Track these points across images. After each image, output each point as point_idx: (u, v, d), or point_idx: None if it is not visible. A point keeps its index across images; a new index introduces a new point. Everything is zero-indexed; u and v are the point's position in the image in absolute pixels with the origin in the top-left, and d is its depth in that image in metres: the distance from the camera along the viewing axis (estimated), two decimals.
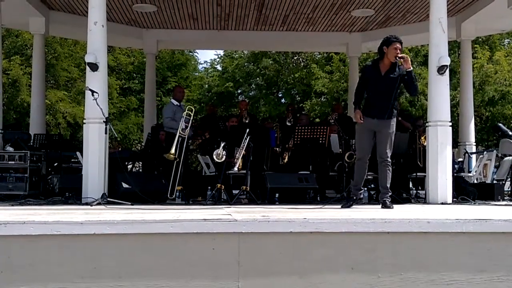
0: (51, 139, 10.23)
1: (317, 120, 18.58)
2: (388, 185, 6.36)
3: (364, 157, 6.41)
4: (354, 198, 6.44)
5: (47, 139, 10.00)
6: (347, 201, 6.51)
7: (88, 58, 7.28)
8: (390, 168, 6.39)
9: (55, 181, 8.97)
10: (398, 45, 6.19)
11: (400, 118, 9.20)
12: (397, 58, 6.12)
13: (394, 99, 6.30)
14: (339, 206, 6.40)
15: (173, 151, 7.57)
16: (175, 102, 8.95)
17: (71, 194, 7.50)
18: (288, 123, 9.71)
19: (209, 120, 10.28)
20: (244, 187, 7.64)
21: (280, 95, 23.70)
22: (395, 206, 6.24)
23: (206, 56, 43.47)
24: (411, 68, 6.23)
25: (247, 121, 9.33)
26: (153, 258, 4.01)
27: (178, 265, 4.02)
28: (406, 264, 4.14)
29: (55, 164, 9.88)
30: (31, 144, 9.50)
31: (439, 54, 7.57)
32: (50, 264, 3.93)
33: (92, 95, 7.02)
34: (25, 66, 17.76)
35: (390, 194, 6.36)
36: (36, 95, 10.95)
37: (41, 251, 3.94)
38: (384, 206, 6.20)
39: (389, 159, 6.34)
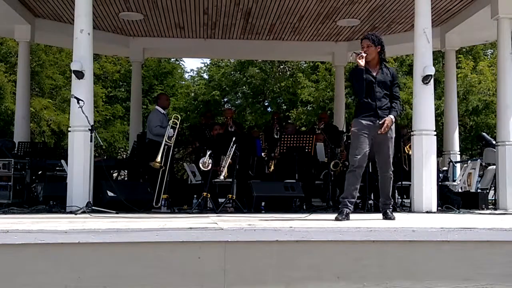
0: (36, 147, 10.14)
1: (303, 129, 18.62)
2: (390, 194, 5.93)
3: (363, 164, 5.70)
4: (348, 212, 5.56)
5: (31, 147, 9.93)
6: (341, 214, 5.51)
7: (74, 66, 7.25)
8: (392, 178, 5.92)
9: (39, 189, 8.89)
10: (364, 42, 5.88)
11: None
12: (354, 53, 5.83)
13: (391, 98, 5.86)
14: (332, 217, 5.54)
15: (159, 159, 7.55)
16: (161, 110, 8.90)
17: (55, 202, 7.43)
18: (275, 135, 9.72)
19: (200, 129, 10.24)
20: (230, 195, 7.64)
21: (266, 104, 23.73)
22: (381, 215, 5.87)
23: (192, 65, 43.60)
24: (363, 67, 5.75)
25: (232, 129, 9.33)
26: (139, 267, 3.99)
27: (164, 274, 4.00)
28: (391, 273, 4.16)
29: (40, 172, 9.78)
30: (15, 152, 9.41)
31: (424, 64, 7.64)
32: (34, 273, 3.90)
33: (78, 103, 6.99)
34: (9, 74, 17.61)
35: (392, 203, 5.98)
36: (21, 103, 10.85)
37: (25, 260, 3.91)
38: (386, 217, 5.73)
39: (391, 169, 5.84)
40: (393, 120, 5.79)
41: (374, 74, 5.82)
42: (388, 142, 5.83)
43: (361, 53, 5.79)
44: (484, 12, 9.29)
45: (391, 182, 5.94)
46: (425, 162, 7.53)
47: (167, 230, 4.09)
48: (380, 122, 5.73)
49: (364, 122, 5.77)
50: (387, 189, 5.90)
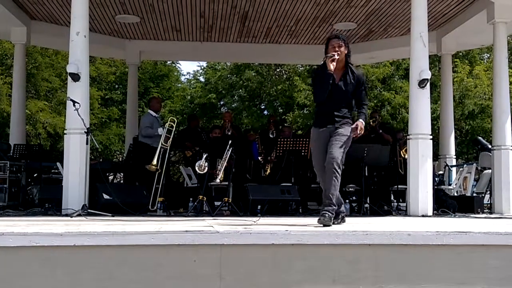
0: (31, 149, 10.12)
1: (300, 132, 18.63)
2: (331, 193, 5.13)
3: (320, 170, 5.36)
4: (342, 215, 5.41)
5: (27, 149, 9.90)
6: (336, 218, 5.28)
7: (70, 68, 7.24)
8: (338, 177, 5.15)
9: (35, 192, 8.87)
10: (335, 42, 5.33)
11: (381, 131, 9.31)
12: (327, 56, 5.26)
13: (358, 103, 5.45)
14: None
15: (155, 162, 7.54)
16: (153, 113, 8.95)
17: (51, 205, 7.42)
18: (271, 135, 9.73)
19: (191, 133, 10.23)
20: (226, 198, 7.63)
21: (262, 107, 23.75)
22: (376, 218, 5.84)
23: (188, 67, 43.57)
24: (332, 71, 5.26)
25: (229, 133, 9.33)
26: (134, 270, 3.98)
27: (159, 277, 3.99)
28: (387, 276, 4.16)
29: (35, 175, 9.77)
30: (11, 154, 9.39)
31: (420, 68, 7.66)
32: (29, 276, 3.88)
33: (74, 105, 6.99)
34: (5, 76, 17.58)
35: (332, 206, 5.09)
36: (17, 105, 10.82)
37: (20, 263, 3.89)
38: (321, 220, 4.91)
39: (337, 164, 5.12)
40: (363, 124, 5.30)
41: (337, 78, 5.35)
42: (339, 137, 5.27)
43: (333, 55, 5.27)
44: (480, 16, 9.32)
45: (335, 178, 5.10)
46: (421, 166, 7.53)
47: (163, 233, 4.08)
48: (353, 127, 5.28)
49: (318, 130, 5.39)
50: (327, 185, 5.15)
